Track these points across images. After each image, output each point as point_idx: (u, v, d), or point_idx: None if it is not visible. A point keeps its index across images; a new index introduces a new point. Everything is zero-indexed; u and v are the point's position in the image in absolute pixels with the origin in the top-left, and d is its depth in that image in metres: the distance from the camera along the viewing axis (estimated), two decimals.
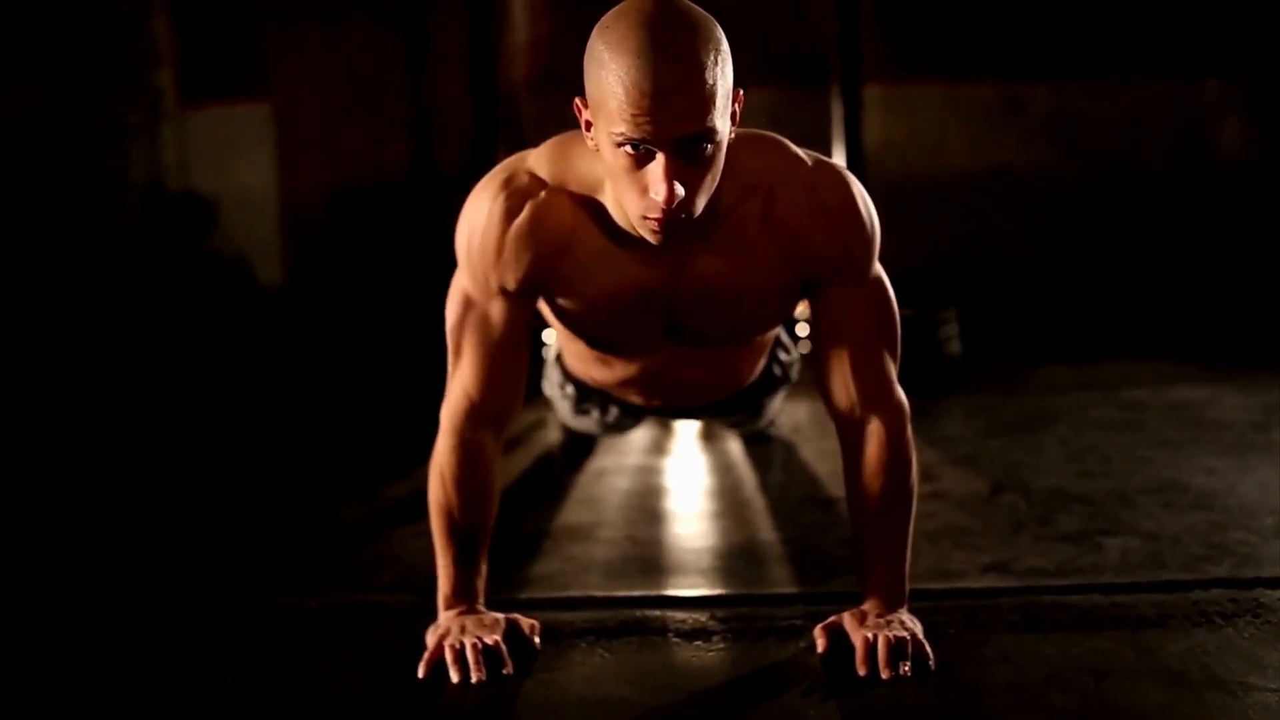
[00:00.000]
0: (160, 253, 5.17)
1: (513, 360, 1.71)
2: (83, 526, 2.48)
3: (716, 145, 1.42)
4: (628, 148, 1.40)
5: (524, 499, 2.49)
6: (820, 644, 1.62)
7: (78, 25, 5.13)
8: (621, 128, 1.38)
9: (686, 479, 2.72)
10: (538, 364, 2.41)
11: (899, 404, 1.70)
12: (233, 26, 5.42)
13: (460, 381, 1.72)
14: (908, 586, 1.69)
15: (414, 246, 5.14)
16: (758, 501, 2.52)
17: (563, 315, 1.75)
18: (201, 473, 2.94)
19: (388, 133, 5.35)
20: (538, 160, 1.63)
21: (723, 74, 1.40)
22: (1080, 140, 5.35)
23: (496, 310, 1.67)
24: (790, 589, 1.98)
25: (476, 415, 1.71)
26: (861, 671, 1.55)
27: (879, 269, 1.69)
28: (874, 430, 1.68)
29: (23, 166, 5.02)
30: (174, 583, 2.07)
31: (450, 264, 1.71)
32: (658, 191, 1.39)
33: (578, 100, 1.47)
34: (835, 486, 2.48)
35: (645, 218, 1.44)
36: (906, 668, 1.55)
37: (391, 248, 5.23)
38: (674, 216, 1.42)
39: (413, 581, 1.97)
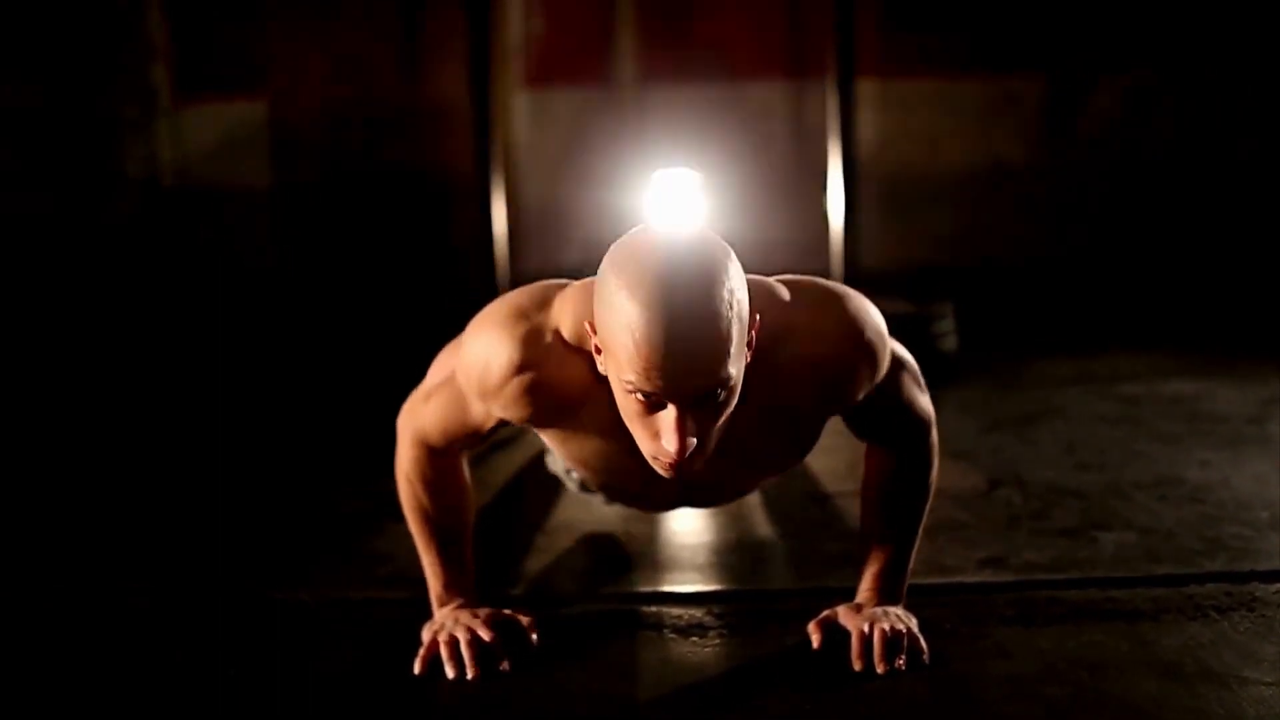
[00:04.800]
0: (157, 249, 5.16)
1: (481, 436, 1.67)
2: (76, 517, 2.47)
3: (730, 390, 1.35)
4: (638, 395, 1.33)
5: (520, 495, 2.50)
6: (815, 638, 1.63)
7: (72, 21, 5.12)
8: (632, 378, 1.31)
9: None
10: None
11: (930, 432, 1.70)
12: (228, 23, 5.40)
13: (423, 422, 1.67)
14: (906, 585, 1.70)
15: (410, 245, 5.14)
16: (754, 498, 2.51)
17: (562, 453, 1.65)
18: (197, 466, 2.93)
19: (384, 130, 5.34)
20: (564, 313, 1.49)
21: (738, 319, 1.32)
22: (1077, 133, 5.35)
23: (479, 415, 1.60)
24: (787, 585, 1.99)
25: (436, 449, 1.70)
26: (857, 666, 1.55)
27: (891, 352, 1.61)
28: (906, 451, 1.70)
29: (22, 159, 5.01)
30: (169, 575, 2.07)
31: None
32: (669, 442, 1.33)
33: (588, 324, 1.39)
34: (832, 483, 2.49)
35: (656, 459, 1.38)
36: (901, 662, 1.55)
37: (387, 245, 5.22)
38: (687, 464, 1.36)
39: (408, 576, 1.97)
